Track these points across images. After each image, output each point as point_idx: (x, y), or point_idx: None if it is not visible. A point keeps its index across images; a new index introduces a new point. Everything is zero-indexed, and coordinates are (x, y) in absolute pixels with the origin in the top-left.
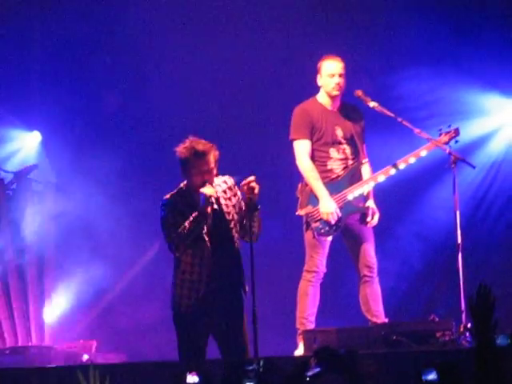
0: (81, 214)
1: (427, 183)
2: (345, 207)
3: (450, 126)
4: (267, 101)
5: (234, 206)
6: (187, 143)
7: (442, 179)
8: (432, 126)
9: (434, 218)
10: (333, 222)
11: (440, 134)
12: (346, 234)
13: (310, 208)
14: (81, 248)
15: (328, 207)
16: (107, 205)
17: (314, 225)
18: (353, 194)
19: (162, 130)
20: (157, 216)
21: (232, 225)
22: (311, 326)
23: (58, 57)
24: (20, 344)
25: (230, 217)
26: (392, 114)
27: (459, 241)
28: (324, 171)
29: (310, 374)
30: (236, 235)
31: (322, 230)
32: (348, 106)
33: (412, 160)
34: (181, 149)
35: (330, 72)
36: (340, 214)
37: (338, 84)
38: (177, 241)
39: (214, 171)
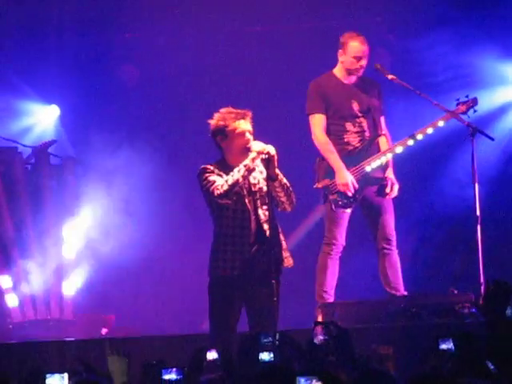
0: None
1: (445, 156)
2: (363, 179)
3: (467, 96)
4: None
5: (265, 178)
6: (223, 111)
7: (460, 151)
8: (448, 93)
9: (451, 191)
10: (350, 194)
11: (457, 104)
12: (364, 206)
13: (327, 181)
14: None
15: (344, 178)
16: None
17: (331, 197)
18: (370, 165)
19: (183, 102)
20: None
21: (259, 196)
22: (330, 299)
23: (78, 31)
24: (39, 317)
25: (257, 188)
26: (410, 87)
27: (478, 213)
28: (340, 144)
29: (317, 341)
30: (265, 207)
31: (340, 202)
32: (365, 79)
33: (430, 130)
34: (219, 116)
35: (358, 54)
36: (357, 186)
37: (363, 66)
38: (219, 189)
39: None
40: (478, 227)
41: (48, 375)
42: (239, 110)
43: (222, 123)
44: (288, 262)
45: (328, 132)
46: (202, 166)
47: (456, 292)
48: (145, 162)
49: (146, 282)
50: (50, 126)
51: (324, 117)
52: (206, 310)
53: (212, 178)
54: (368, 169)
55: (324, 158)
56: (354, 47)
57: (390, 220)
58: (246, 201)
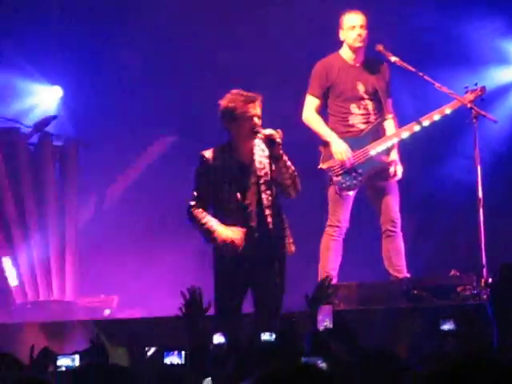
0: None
1: (447, 138)
2: (367, 162)
3: (476, 84)
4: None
5: (270, 164)
6: (234, 93)
7: (463, 133)
8: (449, 71)
9: (455, 173)
10: (347, 164)
11: (466, 92)
12: (369, 189)
13: (332, 162)
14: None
15: (339, 146)
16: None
17: (335, 179)
18: (375, 149)
19: (186, 84)
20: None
21: (264, 181)
22: (333, 280)
23: (81, 13)
24: (41, 298)
25: (262, 173)
26: (413, 69)
27: (480, 195)
28: (345, 126)
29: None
30: (269, 192)
31: (344, 185)
32: (372, 60)
33: (437, 117)
34: (229, 98)
35: (351, 24)
36: (352, 154)
37: (360, 35)
38: (190, 212)
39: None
40: (480, 210)
41: (59, 357)
42: (250, 94)
43: (231, 105)
44: (290, 248)
45: (333, 113)
46: (201, 153)
47: (458, 274)
48: (147, 148)
49: (148, 262)
50: (52, 107)
51: (319, 101)
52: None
53: (198, 185)
54: (373, 152)
55: (323, 142)
56: (348, 18)
57: (394, 203)
58: (251, 184)
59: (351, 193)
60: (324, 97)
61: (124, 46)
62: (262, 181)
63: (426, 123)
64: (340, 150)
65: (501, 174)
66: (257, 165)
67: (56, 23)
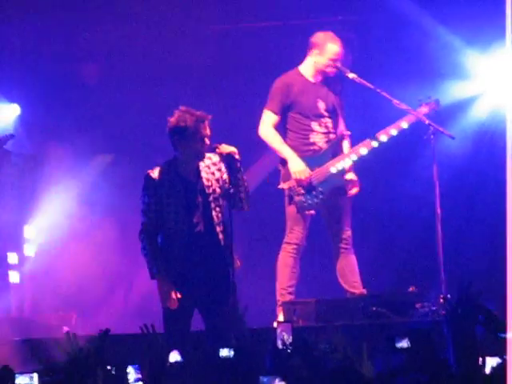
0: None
1: (405, 154)
2: (327, 180)
3: (429, 98)
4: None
5: (217, 180)
6: (183, 111)
7: (420, 150)
8: (407, 86)
9: (412, 189)
10: (304, 183)
11: (420, 105)
12: (322, 205)
13: (292, 181)
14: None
15: (298, 166)
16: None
17: (297, 198)
18: (335, 167)
19: (146, 101)
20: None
21: (213, 198)
22: (291, 297)
23: (39, 31)
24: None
25: (211, 190)
26: (371, 86)
27: (439, 211)
28: (306, 144)
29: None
30: (218, 209)
31: (306, 204)
32: (329, 78)
33: (393, 132)
34: (179, 116)
35: (335, 57)
36: (310, 173)
37: (338, 68)
38: (142, 233)
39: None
40: (439, 225)
41: (17, 375)
42: (200, 113)
43: (182, 124)
44: (237, 263)
45: (293, 130)
46: (148, 173)
47: (416, 290)
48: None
49: (109, 282)
50: (8, 125)
51: (277, 117)
52: None
53: (146, 206)
54: (333, 170)
55: (282, 160)
56: (333, 50)
57: (346, 219)
58: (197, 202)
59: (313, 211)
60: (282, 113)
61: (81, 61)
62: (210, 198)
63: (383, 138)
64: (298, 169)
65: (459, 189)
66: (204, 182)
67: (14, 40)
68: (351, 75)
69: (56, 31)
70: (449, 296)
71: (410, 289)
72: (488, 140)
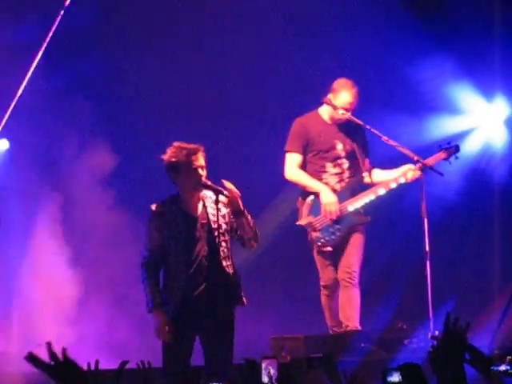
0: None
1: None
2: (346, 218)
3: (449, 143)
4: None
5: (223, 216)
6: (176, 146)
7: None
8: (397, 119)
9: (401, 226)
10: (334, 216)
11: (439, 151)
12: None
13: (310, 218)
14: None
15: (330, 198)
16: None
17: (314, 234)
18: (353, 205)
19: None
20: None
21: (219, 234)
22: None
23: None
24: None
25: (216, 225)
26: (361, 122)
27: (427, 248)
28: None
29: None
30: (224, 244)
31: (323, 240)
32: (350, 121)
33: (410, 175)
34: (171, 152)
35: (350, 101)
36: (340, 208)
37: (350, 115)
38: (141, 267)
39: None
40: (427, 263)
41: None
42: (191, 146)
43: (174, 160)
44: (243, 301)
45: (307, 170)
46: (153, 208)
47: (405, 327)
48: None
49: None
50: None
51: (301, 157)
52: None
53: (149, 239)
54: (350, 208)
55: (305, 197)
56: (349, 96)
57: (353, 256)
58: (199, 236)
59: (329, 248)
60: (304, 153)
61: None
62: (216, 233)
63: (401, 180)
64: (331, 200)
65: (449, 226)
66: (210, 217)
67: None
68: (340, 111)
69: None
70: (437, 333)
71: (399, 325)
72: (479, 176)
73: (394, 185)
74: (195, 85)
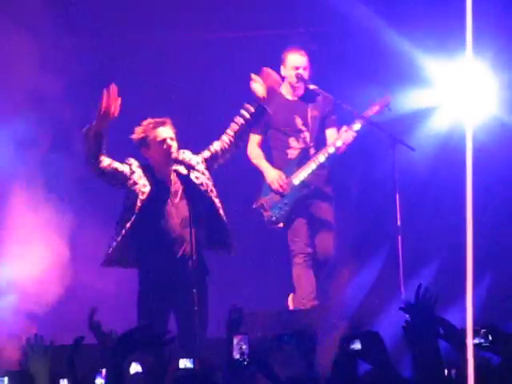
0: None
1: (366, 165)
2: (293, 191)
3: (381, 96)
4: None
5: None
6: (143, 123)
7: (379, 160)
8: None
9: (373, 201)
10: (281, 190)
11: (371, 105)
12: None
13: (263, 199)
14: None
15: (272, 174)
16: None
17: (265, 214)
18: (298, 178)
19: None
20: None
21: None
22: (313, 303)
23: None
24: None
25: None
26: (330, 96)
27: (399, 223)
28: (284, 160)
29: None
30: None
31: (274, 218)
32: (313, 93)
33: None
34: (138, 129)
35: (295, 65)
36: (286, 180)
37: (302, 77)
38: None
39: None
40: (399, 237)
41: None
42: (158, 119)
43: (142, 135)
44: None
45: (275, 148)
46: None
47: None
48: None
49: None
50: None
51: (259, 137)
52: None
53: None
54: (296, 181)
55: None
56: (292, 58)
57: (307, 234)
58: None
59: (281, 224)
60: (263, 132)
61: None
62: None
63: (338, 143)
64: (273, 177)
65: (421, 201)
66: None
67: None
68: (312, 86)
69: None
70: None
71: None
72: (449, 152)
73: (331, 149)
74: None
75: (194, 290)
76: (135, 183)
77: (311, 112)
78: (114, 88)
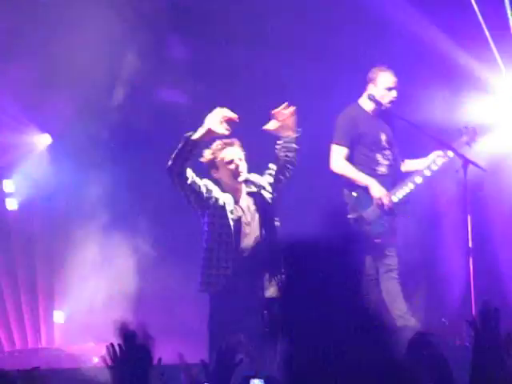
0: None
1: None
2: (393, 209)
3: (466, 127)
4: None
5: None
6: (212, 145)
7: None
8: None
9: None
10: (387, 205)
11: (460, 135)
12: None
13: (361, 211)
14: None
15: (382, 190)
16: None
17: (366, 227)
18: (396, 196)
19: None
20: None
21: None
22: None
23: None
24: (29, 346)
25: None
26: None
27: (470, 245)
28: (374, 176)
29: None
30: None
31: (375, 232)
32: (383, 110)
33: (439, 161)
34: (207, 151)
35: (389, 85)
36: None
37: (395, 97)
38: None
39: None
40: (470, 259)
41: None
42: (226, 140)
43: (211, 156)
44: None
45: (361, 164)
46: None
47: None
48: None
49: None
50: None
51: (348, 150)
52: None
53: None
54: (394, 199)
55: (350, 186)
56: (386, 78)
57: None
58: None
59: (379, 240)
60: (351, 146)
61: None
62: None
63: (434, 167)
64: (383, 193)
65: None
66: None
67: None
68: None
69: None
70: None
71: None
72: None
73: (428, 172)
74: None
75: (265, 312)
76: (217, 201)
77: (388, 129)
78: (233, 115)
